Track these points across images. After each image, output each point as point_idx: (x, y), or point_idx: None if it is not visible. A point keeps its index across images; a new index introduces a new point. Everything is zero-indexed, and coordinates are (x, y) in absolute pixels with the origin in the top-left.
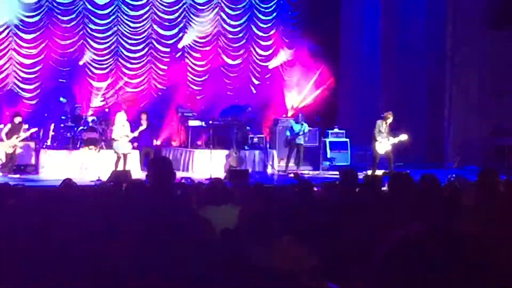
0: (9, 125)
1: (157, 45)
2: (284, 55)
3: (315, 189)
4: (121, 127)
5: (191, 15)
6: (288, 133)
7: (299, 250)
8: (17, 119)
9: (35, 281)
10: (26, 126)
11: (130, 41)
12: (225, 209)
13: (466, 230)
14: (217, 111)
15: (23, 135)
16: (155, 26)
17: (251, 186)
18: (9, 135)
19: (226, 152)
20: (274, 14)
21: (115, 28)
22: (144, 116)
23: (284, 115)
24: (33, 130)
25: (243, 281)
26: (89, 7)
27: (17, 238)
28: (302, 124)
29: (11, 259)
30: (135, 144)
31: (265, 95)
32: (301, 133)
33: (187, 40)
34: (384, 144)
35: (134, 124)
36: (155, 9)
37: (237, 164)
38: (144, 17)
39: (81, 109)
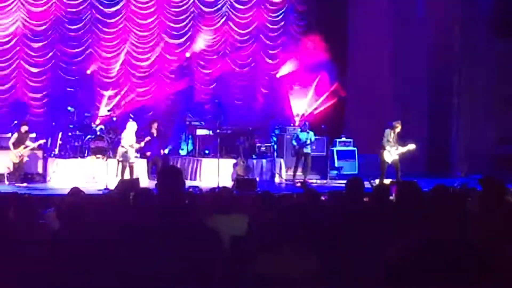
0: (16, 135)
1: (164, 54)
2: (291, 64)
3: (322, 198)
4: (129, 136)
5: (199, 24)
6: (294, 142)
7: (305, 258)
8: (24, 128)
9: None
10: (33, 135)
11: (138, 50)
12: (233, 218)
13: (473, 239)
14: (224, 120)
15: (31, 145)
16: (163, 35)
17: (258, 194)
18: (16, 144)
19: (233, 161)
20: (282, 23)
21: (124, 37)
22: (154, 125)
23: (292, 124)
24: (41, 141)
25: None
26: (97, 16)
27: (24, 249)
28: (308, 133)
29: (20, 270)
30: (148, 153)
31: (273, 103)
32: (308, 141)
33: (194, 49)
34: (392, 153)
35: (142, 132)
36: (162, 18)
37: (244, 173)
38: (151, 26)
39: (89, 117)
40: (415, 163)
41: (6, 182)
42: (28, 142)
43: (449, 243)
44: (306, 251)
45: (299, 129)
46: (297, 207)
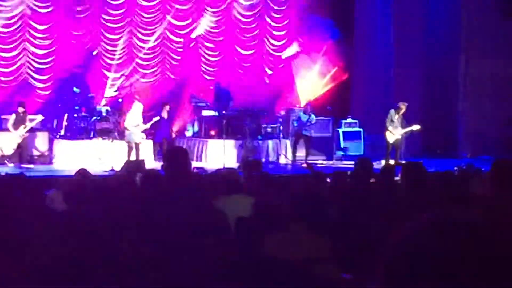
0: (14, 116)
1: (170, 36)
2: (297, 45)
3: (328, 179)
4: (135, 117)
5: (204, 5)
6: (295, 123)
7: (312, 239)
8: (20, 109)
9: (50, 273)
10: (37, 116)
11: (142, 31)
12: (238, 199)
13: (480, 221)
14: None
15: (29, 124)
16: (168, 17)
17: (259, 175)
18: (15, 125)
19: (239, 142)
20: (287, 3)
21: (129, 19)
22: (166, 107)
23: (297, 105)
24: (39, 118)
25: (257, 270)
26: None
27: (33, 230)
28: (310, 115)
29: (27, 252)
30: (153, 133)
31: (278, 85)
32: (308, 124)
33: (200, 30)
34: (395, 133)
35: (149, 114)
36: None
37: (250, 154)
38: (157, 8)
39: (95, 99)
40: (421, 143)
41: (11, 164)
42: (27, 123)
43: (457, 225)
44: (312, 232)
45: (301, 112)
46: (305, 188)
